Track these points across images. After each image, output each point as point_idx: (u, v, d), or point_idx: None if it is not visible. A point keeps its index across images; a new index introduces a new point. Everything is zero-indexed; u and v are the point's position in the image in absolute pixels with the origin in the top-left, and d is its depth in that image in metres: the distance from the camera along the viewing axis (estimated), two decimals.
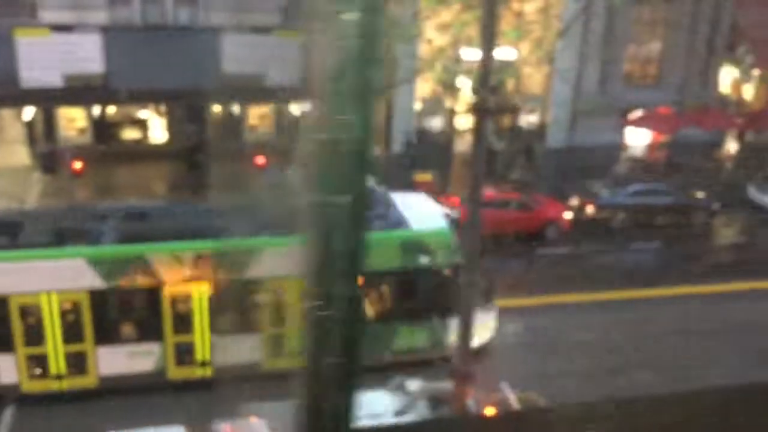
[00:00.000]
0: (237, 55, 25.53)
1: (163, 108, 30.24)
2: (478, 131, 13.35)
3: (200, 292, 16.97)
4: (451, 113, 31.88)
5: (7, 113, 29.08)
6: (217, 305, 17.04)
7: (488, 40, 12.78)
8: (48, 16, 26.03)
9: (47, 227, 16.98)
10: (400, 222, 18.25)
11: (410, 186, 25.02)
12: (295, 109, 28.84)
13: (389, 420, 14.28)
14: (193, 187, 24.35)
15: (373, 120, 3.24)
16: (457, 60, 28.64)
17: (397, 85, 29.02)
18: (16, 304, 16.24)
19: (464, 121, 30.42)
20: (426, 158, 29.35)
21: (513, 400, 15.45)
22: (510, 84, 31.98)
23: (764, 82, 36.85)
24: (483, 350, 18.70)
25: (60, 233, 16.79)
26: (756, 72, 36.64)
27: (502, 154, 30.66)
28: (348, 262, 3.31)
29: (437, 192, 24.74)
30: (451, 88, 30.52)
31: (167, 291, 16.78)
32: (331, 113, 3.11)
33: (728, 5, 33.46)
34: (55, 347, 16.64)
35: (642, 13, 33.34)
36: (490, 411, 14.77)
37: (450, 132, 31.82)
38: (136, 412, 15.98)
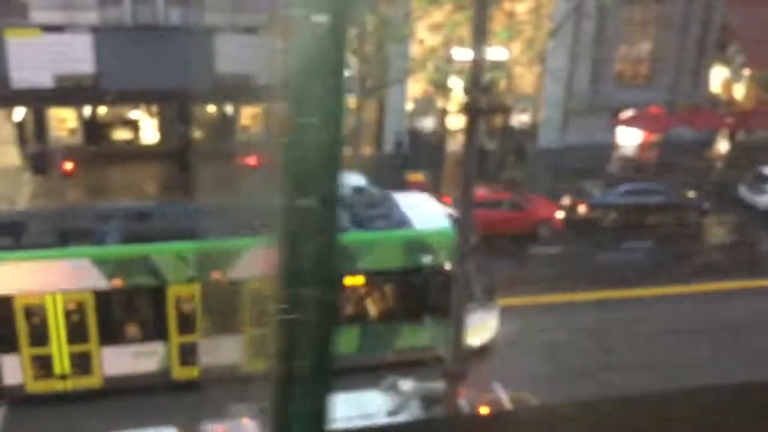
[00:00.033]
0: (229, 55, 25.48)
1: (154, 108, 30.13)
2: (469, 131, 13.36)
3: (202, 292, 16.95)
4: (443, 113, 31.88)
5: None
6: (215, 305, 17.04)
7: (480, 41, 12.80)
8: (39, 16, 25.92)
9: (50, 228, 16.94)
10: (403, 222, 18.27)
11: (402, 186, 24.99)
12: None
13: (382, 420, 14.28)
14: (184, 188, 24.27)
15: (343, 122, 3.20)
16: (449, 60, 28.68)
17: (389, 86, 29.04)
18: (21, 304, 16.21)
19: (456, 121, 30.41)
20: (418, 158, 29.35)
21: (505, 399, 15.47)
22: (502, 84, 32.00)
23: (755, 81, 36.97)
24: (484, 350, 18.71)
25: (64, 234, 16.75)
26: (746, 72, 36.73)
27: (494, 154, 30.68)
28: (316, 265, 3.27)
29: (429, 192, 24.71)
30: (442, 88, 30.52)
31: (171, 291, 16.78)
32: (293, 115, 3.08)
33: (719, 5, 33.59)
34: (59, 347, 16.61)
35: (633, 13, 33.45)
36: (482, 411, 14.78)
37: (442, 132, 31.81)
38: (139, 412, 15.90)
